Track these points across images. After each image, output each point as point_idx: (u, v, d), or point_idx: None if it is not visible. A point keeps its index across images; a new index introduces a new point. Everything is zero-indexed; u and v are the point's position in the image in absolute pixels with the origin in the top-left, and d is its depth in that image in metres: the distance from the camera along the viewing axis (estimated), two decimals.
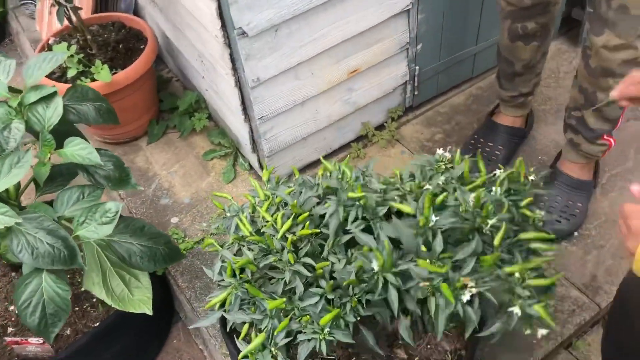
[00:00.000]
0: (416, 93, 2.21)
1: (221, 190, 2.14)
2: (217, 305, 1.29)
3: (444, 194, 1.16)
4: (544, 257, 1.09)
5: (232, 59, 1.67)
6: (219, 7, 1.53)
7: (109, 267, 1.50)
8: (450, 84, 2.32)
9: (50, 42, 2.27)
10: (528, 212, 1.11)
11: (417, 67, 2.10)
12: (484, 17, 2.13)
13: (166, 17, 2.16)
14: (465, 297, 1.02)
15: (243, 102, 1.81)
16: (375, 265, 1.13)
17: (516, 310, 1.03)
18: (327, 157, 2.17)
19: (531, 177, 1.13)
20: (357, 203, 1.24)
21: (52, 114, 1.44)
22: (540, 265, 1.06)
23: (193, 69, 2.12)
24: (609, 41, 1.50)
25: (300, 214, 1.32)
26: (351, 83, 1.96)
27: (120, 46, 2.27)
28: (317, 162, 2.16)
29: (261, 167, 2.07)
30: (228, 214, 1.45)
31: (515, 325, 1.05)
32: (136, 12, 2.60)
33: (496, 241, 1.07)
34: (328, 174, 1.39)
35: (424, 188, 1.18)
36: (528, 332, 1.06)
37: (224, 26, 1.57)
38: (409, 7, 1.86)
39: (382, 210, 1.24)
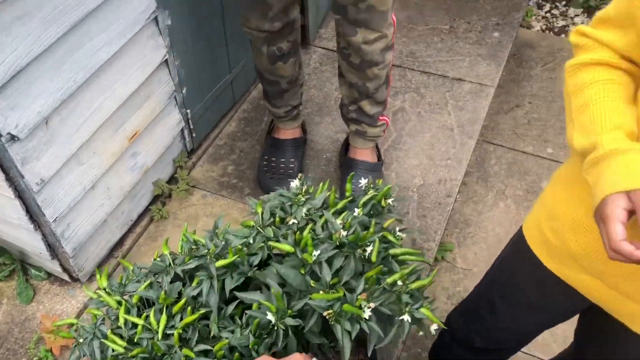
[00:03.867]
0: (194, 135, 2.17)
1: (24, 314, 1.82)
2: None
3: (309, 225, 1.18)
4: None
5: (4, 169, 1.42)
6: None
7: None
8: (219, 115, 2.33)
9: None
10: (390, 236, 1.19)
11: (188, 111, 2.06)
12: (229, 46, 2.18)
13: None
14: (367, 313, 1.07)
15: (28, 211, 1.56)
16: (270, 317, 1.11)
17: (406, 317, 1.11)
18: (130, 229, 2.01)
19: (389, 201, 1.22)
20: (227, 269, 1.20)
21: None
22: (415, 268, 1.15)
23: None
24: (365, 37, 1.69)
25: (169, 305, 1.22)
26: (134, 148, 1.84)
27: None
28: (122, 241, 1.98)
29: (65, 270, 1.82)
30: (81, 340, 1.26)
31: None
32: None
33: (373, 257, 1.13)
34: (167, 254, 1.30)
35: (290, 223, 1.19)
36: (421, 333, 1.15)
37: None
38: (166, 57, 1.81)
39: (256, 260, 1.21)
